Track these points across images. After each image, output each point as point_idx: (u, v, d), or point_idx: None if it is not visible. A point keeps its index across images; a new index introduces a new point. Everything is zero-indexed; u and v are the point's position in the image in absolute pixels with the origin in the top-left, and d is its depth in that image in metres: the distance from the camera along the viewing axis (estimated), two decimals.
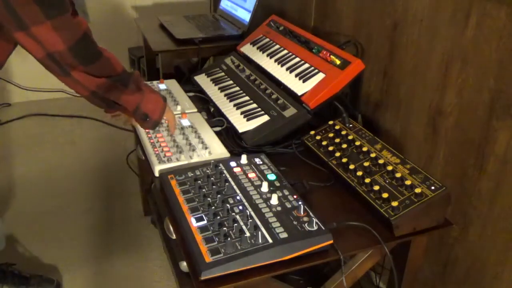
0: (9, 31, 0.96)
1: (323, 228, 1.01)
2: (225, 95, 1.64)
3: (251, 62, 1.78)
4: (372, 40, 1.62)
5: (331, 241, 1.01)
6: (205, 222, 1.03)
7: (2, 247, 1.72)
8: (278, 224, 1.02)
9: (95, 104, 1.16)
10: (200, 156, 1.30)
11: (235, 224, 1.01)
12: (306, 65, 1.57)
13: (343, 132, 1.35)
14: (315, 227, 1.00)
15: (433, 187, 1.09)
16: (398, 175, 1.14)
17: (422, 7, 1.37)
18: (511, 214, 1.17)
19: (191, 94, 1.73)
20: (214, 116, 1.59)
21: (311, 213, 1.04)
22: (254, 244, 0.96)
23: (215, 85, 1.73)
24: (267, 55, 1.73)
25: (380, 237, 1.06)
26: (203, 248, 0.96)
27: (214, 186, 1.13)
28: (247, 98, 1.60)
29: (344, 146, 1.30)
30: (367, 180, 1.16)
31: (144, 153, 1.38)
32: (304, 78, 1.51)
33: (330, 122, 1.40)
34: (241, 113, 1.52)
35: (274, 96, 1.54)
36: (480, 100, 1.21)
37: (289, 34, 1.76)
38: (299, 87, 1.50)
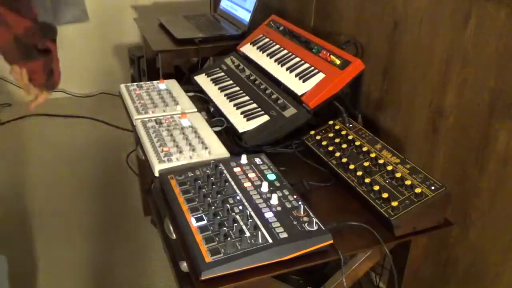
0: None
1: (323, 228, 1.01)
2: (225, 95, 1.64)
3: (251, 62, 1.78)
4: (372, 40, 1.62)
5: (331, 241, 1.00)
6: (205, 222, 1.03)
7: None
8: (278, 224, 1.01)
9: (10, 55, 1.06)
10: (200, 156, 1.30)
11: (235, 224, 1.01)
12: (306, 65, 1.57)
13: (343, 132, 1.35)
14: (315, 227, 1.00)
15: (433, 187, 1.09)
16: (398, 175, 1.14)
17: (422, 7, 1.37)
18: (511, 214, 1.17)
19: (191, 94, 1.73)
20: (214, 116, 1.59)
21: (311, 213, 1.04)
22: (254, 244, 0.96)
23: (215, 85, 1.73)
24: (267, 55, 1.73)
25: (380, 237, 1.06)
26: (203, 248, 0.96)
27: (214, 186, 1.13)
28: (247, 98, 1.60)
29: (344, 146, 1.30)
30: (367, 180, 1.16)
31: (144, 153, 1.38)
32: (304, 78, 1.51)
33: (330, 122, 1.41)
34: (241, 113, 1.52)
35: (274, 96, 1.54)
36: (480, 100, 1.21)
37: (289, 34, 1.76)
38: (299, 87, 1.50)
